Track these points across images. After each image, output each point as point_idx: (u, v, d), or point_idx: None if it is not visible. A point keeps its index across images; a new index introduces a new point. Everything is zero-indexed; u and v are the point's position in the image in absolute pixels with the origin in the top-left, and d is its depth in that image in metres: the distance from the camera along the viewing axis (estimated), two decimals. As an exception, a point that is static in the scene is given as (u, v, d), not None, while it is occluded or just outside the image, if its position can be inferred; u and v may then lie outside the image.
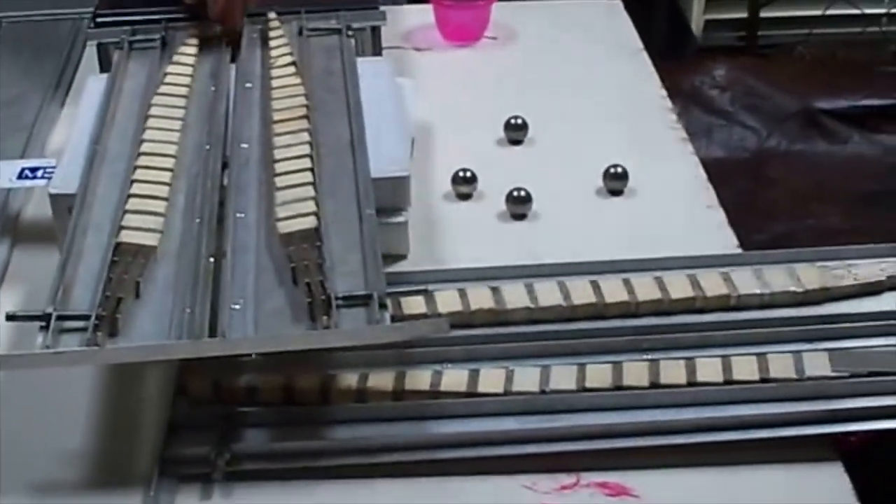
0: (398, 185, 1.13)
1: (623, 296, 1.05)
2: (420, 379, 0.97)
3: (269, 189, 1.07)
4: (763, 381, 0.97)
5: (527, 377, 0.97)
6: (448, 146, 1.33)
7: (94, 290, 0.94)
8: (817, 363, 0.98)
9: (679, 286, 1.06)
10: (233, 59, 1.30)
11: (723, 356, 0.99)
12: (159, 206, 1.04)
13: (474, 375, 0.97)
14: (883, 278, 1.08)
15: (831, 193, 1.92)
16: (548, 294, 1.05)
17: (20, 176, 1.18)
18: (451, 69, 1.52)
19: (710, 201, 1.24)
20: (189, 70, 1.26)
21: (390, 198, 1.13)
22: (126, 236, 1.00)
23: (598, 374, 0.97)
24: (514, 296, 1.05)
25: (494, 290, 1.06)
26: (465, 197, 1.25)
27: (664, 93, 1.44)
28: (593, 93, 1.45)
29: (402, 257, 1.15)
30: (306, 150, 1.10)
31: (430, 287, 1.06)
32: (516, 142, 1.35)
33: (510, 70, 1.51)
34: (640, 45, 1.55)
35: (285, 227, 1.00)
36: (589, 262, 1.10)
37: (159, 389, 0.99)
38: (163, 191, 1.06)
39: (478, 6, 1.56)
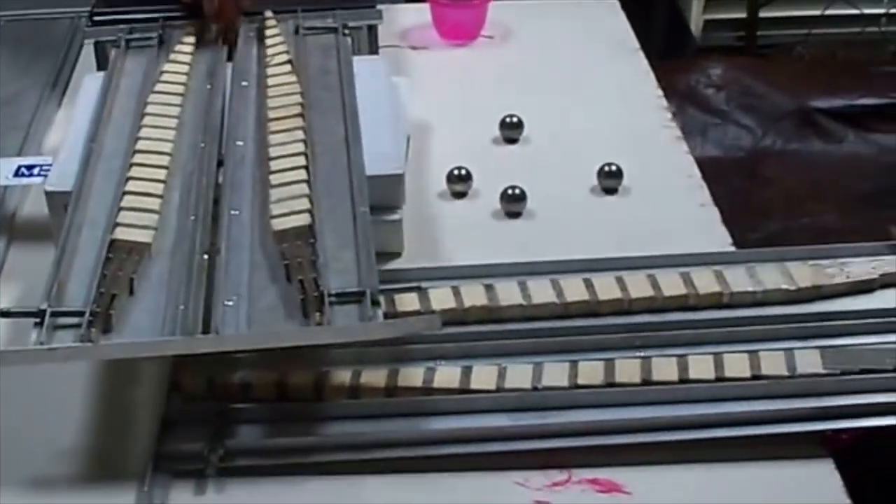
0: (393, 183, 1.14)
1: (616, 293, 1.05)
2: (413, 375, 0.97)
3: (263, 186, 1.07)
4: (755, 378, 0.97)
5: (519, 374, 0.98)
6: (444, 144, 1.34)
7: (89, 286, 0.95)
8: (809, 360, 0.98)
9: (672, 284, 1.06)
10: (229, 58, 1.31)
11: (715, 353, 0.99)
12: (154, 203, 1.05)
13: (467, 372, 0.98)
14: (875, 276, 1.08)
15: (826, 192, 1.92)
16: (541, 291, 1.06)
17: (17, 173, 1.19)
18: (447, 68, 1.52)
19: (703, 200, 1.25)
20: (185, 68, 1.26)
21: (385, 196, 1.13)
22: (120, 233, 1.00)
23: (591, 371, 0.98)
24: (508, 293, 1.06)
25: (488, 287, 1.06)
26: (460, 195, 1.25)
27: (660, 92, 1.44)
28: (589, 92, 1.45)
29: (397, 255, 1.16)
30: (301, 147, 1.11)
31: (425, 285, 1.07)
32: (512, 140, 1.35)
33: (506, 69, 1.51)
34: (636, 44, 1.56)
35: (279, 224, 1.01)
36: (582, 260, 1.10)
37: (153, 386, 0.99)
38: (158, 188, 1.07)
39: (474, 5, 1.57)
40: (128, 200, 1.05)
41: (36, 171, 1.18)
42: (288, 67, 1.24)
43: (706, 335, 1.02)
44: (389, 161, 1.15)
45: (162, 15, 1.36)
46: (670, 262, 1.10)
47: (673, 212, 1.23)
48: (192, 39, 1.32)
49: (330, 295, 0.92)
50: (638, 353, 1.00)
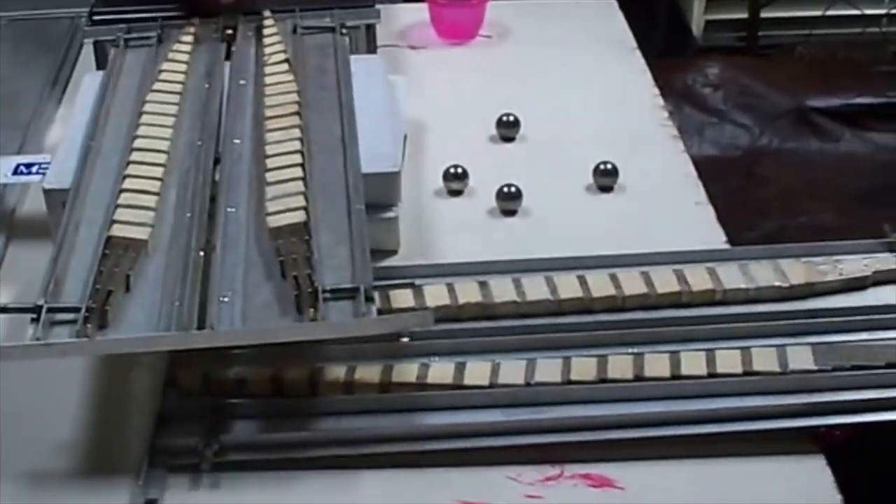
0: (389, 181, 1.15)
1: (610, 290, 1.06)
2: (407, 371, 0.98)
3: (259, 184, 1.08)
4: (746, 374, 0.98)
5: (512, 370, 0.98)
6: (441, 143, 1.35)
7: (85, 283, 0.96)
8: (801, 357, 0.99)
9: (665, 281, 1.07)
10: (227, 57, 1.31)
11: (707, 350, 1.00)
12: (151, 200, 1.05)
13: (461, 368, 0.98)
14: (868, 274, 1.09)
15: (823, 191, 1.92)
16: (535, 288, 1.06)
17: (15, 172, 1.19)
18: (445, 67, 1.53)
19: (699, 198, 1.25)
20: (184, 67, 1.27)
21: (381, 193, 1.14)
22: (117, 230, 1.01)
23: (583, 367, 0.98)
24: (502, 290, 1.06)
25: (482, 284, 1.07)
26: (456, 193, 1.26)
27: (656, 91, 1.45)
28: (586, 90, 1.46)
29: (393, 252, 1.16)
30: (297, 146, 1.12)
31: (420, 282, 1.08)
32: (508, 139, 1.36)
33: (504, 68, 1.52)
34: (633, 43, 1.56)
35: (275, 221, 1.02)
36: (576, 257, 1.11)
37: (149, 381, 1.00)
38: (155, 186, 1.08)
39: (472, 4, 1.57)
40: (125, 198, 1.06)
41: (34, 169, 1.19)
42: (285, 66, 1.25)
43: (699, 332, 1.03)
44: (385, 159, 1.16)
45: (161, 14, 1.37)
46: (664, 260, 1.10)
47: (668, 210, 1.24)
48: (190, 38, 1.33)
49: (324, 291, 0.93)
50: (631, 350, 1.00)
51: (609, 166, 1.26)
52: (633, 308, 1.06)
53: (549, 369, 0.98)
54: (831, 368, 0.98)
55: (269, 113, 1.17)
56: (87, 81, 1.30)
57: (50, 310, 0.93)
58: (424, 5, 1.59)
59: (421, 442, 0.94)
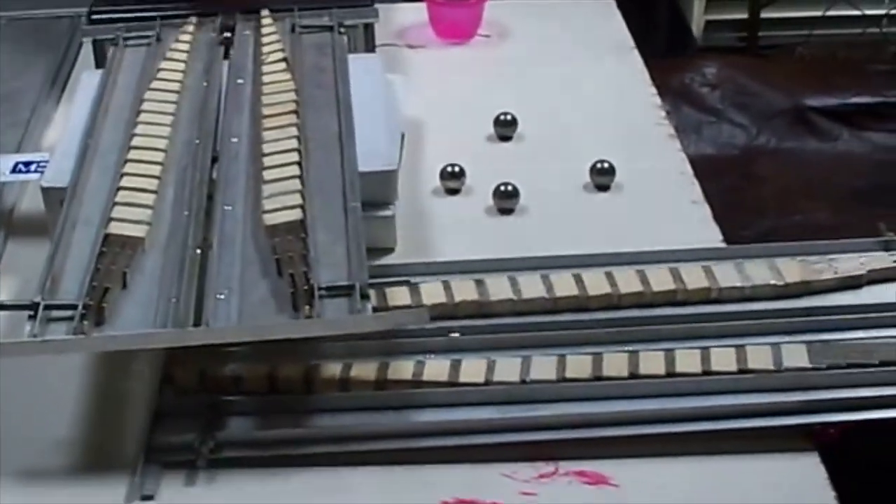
0: (385, 179, 1.15)
1: (605, 288, 1.06)
2: (402, 369, 0.98)
3: (256, 182, 1.08)
4: (741, 372, 0.98)
5: (508, 368, 0.99)
6: (438, 142, 1.35)
7: (82, 280, 0.96)
8: (795, 355, 0.99)
9: (661, 279, 1.07)
10: (226, 56, 1.32)
11: (702, 348, 1.00)
12: (148, 198, 1.06)
13: (456, 365, 0.99)
14: (863, 272, 1.09)
15: (819, 190, 1.93)
16: (531, 287, 1.07)
17: (14, 170, 1.20)
18: (443, 66, 1.53)
19: (695, 197, 1.26)
20: (182, 66, 1.28)
21: (378, 191, 1.14)
22: (115, 228, 1.02)
23: (579, 364, 0.98)
24: (498, 288, 1.07)
25: (479, 282, 1.07)
26: (453, 192, 1.26)
27: (654, 90, 1.45)
28: (584, 90, 1.46)
29: (390, 251, 1.17)
30: (294, 144, 1.12)
31: (417, 280, 1.08)
32: (506, 138, 1.36)
33: (502, 67, 1.53)
34: (631, 43, 1.57)
35: (271, 219, 1.02)
36: (572, 256, 1.11)
37: (146, 378, 1.00)
38: (152, 184, 1.08)
39: (471, 4, 1.58)
40: (122, 196, 1.06)
41: (33, 167, 1.20)
42: (283, 65, 1.26)
43: (694, 330, 1.03)
44: (382, 157, 1.16)
45: (159, 13, 1.37)
46: (660, 258, 1.11)
47: (664, 208, 1.24)
48: (188, 37, 1.33)
49: (320, 288, 0.93)
50: (626, 348, 1.01)
51: (606, 165, 1.26)
52: (628, 306, 1.06)
53: (544, 367, 0.98)
54: (826, 366, 0.98)
55: (266, 111, 1.18)
56: (86, 80, 1.31)
57: (47, 307, 0.93)
58: (423, 5, 1.60)
59: (416, 439, 0.95)
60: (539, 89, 1.46)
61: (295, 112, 1.17)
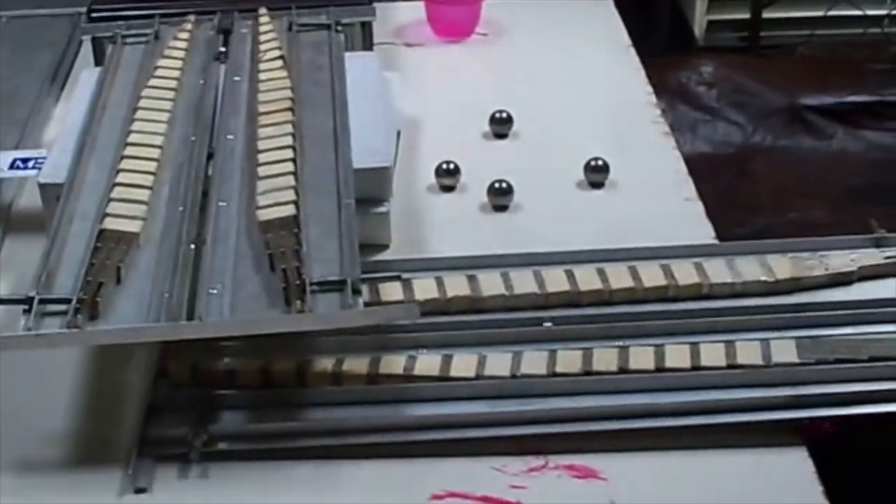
0: (380, 176, 1.16)
1: (597, 284, 1.07)
2: (394, 363, 0.99)
3: (251, 179, 1.09)
4: (730, 367, 0.98)
5: (499, 362, 0.99)
6: (434, 139, 1.36)
7: (77, 275, 0.97)
8: (784, 350, 1.00)
9: (652, 275, 1.08)
10: (223, 54, 1.33)
11: (692, 343, 1.00)
12: (143, 194, 1.07)
13: (447, 360, 0.99)
14: (854, 269, 1.09)
15: (814, 188, 1.93)
16: (523, 282, 1.08)
17: (12, 166, 1.21)
18: (440, 64, 1.54)
19: (689, 194, 1.26)
20: (179, 63, 1.28)
21: (372, 188, 1.15)
22: (110, 223, 1.02)
23: (569, 359, 0.99)
24: (490, 284, 1.07)
25: (471, 278, 1.08)
26: (448, 189, 1.27)
27: (650, 88, 1.46)
28: (580, 88, 1.47)
29: (385, 247, 1.18)
30: (289, 141, 1.13)
31: (411, 276, 1.09)
32: (501, 135, 1.37)
33: (499, 66, 1.53)
34: (628, 41, 1.57)
35: (265, 214, 1.03)
36: (565, 252, 1.12)
37: (140, 373, 1.01)
38: (147, 180, 1.09)
39: (468, 3, 1.59)
40: (118, 191, 1.07)
41: (31, 163, 1.21)
42: (279, 63, 1.26)
43: (685, 325, 1.03)
44: (377, 154, 1.17)
45: (158, 11, 1.38)
46: (651, 255, 1.11)
47: (658, 206, 1.25)
48: (186, 35, 1.34)
49: (312, 283, 0.94)
50: (616, 343, 1.01)
51: (600, 163, 1.27)
52: (620, 302, 1.07)
53: (534, 362, 0.99)
54: (814, 362, 0.98)
55: (262, 108, 1.18)
56: (85, 77, 1.32)
57: (42, 301, 0.94)
58: (421, 3, 1.61)
59: (407, 433, 0.95)
60: (535, 87, 1.47)
61: (290, 109, 1.18)
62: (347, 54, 1.31)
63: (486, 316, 1.06)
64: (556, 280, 1.08)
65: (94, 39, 1.41)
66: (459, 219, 1.23)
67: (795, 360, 0.99)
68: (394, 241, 1.18)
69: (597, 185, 1.27)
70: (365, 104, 1.23)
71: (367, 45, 1.46)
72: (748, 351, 0.99)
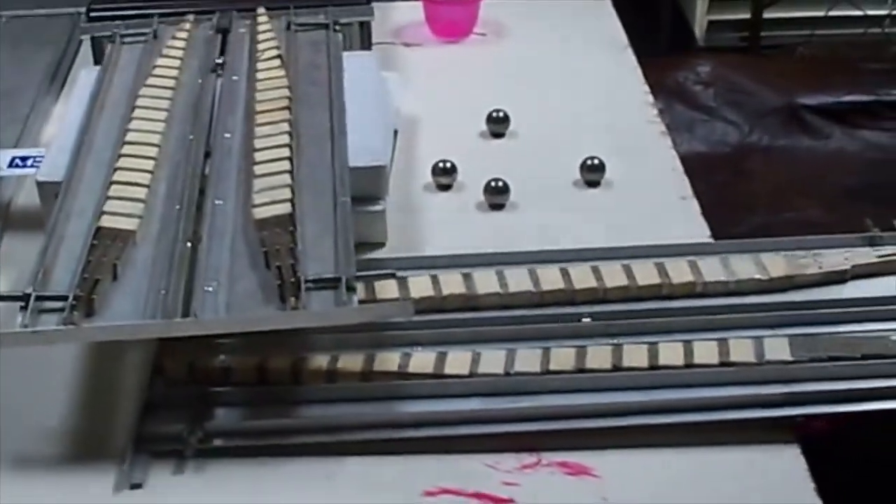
0: (376, 175, 1.16)
1: (591, 282, 1.08)
2: (389, 360, 1.00)
3: (248, 177, 1.09)
4: (723, 364, 0.99)
5: (493, 360, 1.00)
6: (431, 138, 1.36)
7: (74, 272, 0.97)
8: (777, 348, 1.00)
9: (646, 273, 1.08)
10: (221, 53, 1.33)
11: (685, 341, 1.01)
12: (140, 192, 1.07)
13: (441, 357, 1.00)
14: (847, 267, 1.10)
15: (811, 187, 1.94)
16: (518, 280, 1.08)
17: (11, 164, 1.22)
18: (438, 64, 1.55)
19: (684, 193, 1.27)
20: (178, 63, 1.29)
21: (368, 187, 1.16)
22: (106, 221, 1.03)
23: (562, 357, 1.00)
24: (485, 282, 1.08)
25: (466, 276, 1.09)
26: (444, 188, 1.28)
27: (646, 88, 1.47)
28: (577, 88, 1.48)
29: (381, 245, 1.18)
30: (286, 139, 1.13)
31: (407, 273, 1.09)
32: (498, 134, 1.38)
33: (497, 65, 1.54)
34: (625, 41, 1.58)
35: (261, 213, 1.03)
36: (560, 250, 1.12)
37: (137, 370, 1.02)
38: (145, 178, 1.09)
39: (467, 3, 1.59)
40: (115, 190, 1.07)
41: (29, 162, 1.22)
42: (277, 62, 1.27)
43: (679, 323, 1.04)
44: (373, 153, 1.17)
45: (157, 11, 1.39)
46: (646, 253, 1.12)
47: (654, 204, 1.25)
48: (185, 35, 1.34)
49: (306, 281, 0.95)
50: (611, 341, 1.02)
51: (596, 161, 1.27)
52: (614, 300, 1.07)
53: (528, 359, 1.00)
54: (807, 359, 0.99)
55: (259, 107, 1.19)
56: (83, 76, 1.32)
57: (38, 298, 0.95)
58: (420, 4, 1.61)
59: (401, 429, 0.96)
60: (533, 87, 1.48)
61: (287, 108, 1.18)
62: (345, 54, 1.32)
63: (480, 314, 1.06)
64: (550, 278, 1.08)
65: (93, 39, 1.42)
66: (456, 217, 1.24)
67: (788, 357, 0.99)
68: (390, 240, 1.19)
69: (593, 183, 1.28)
70: (362, 103, 1.24)
71: (366, 44, 1.47)
72: (741, 348, 1.00)
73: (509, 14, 1.65)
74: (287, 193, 1.05)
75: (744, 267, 1.09)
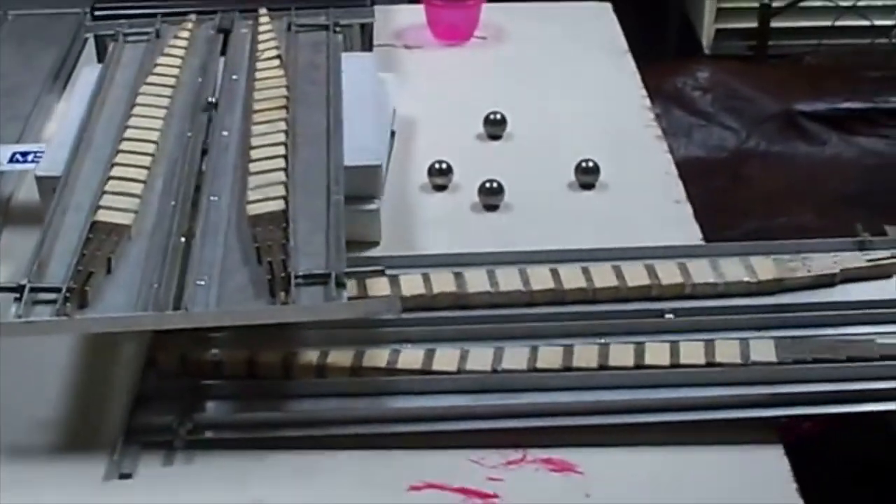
0: (370, 174, 1.18)
1: (581, 283, 1.09)
2: (378, 357, 1.01)
3: (243, 174, 1.11)
4: (709, 365, 1.00)
5: (481, 357, 1.01)
6: (429, 139, 1.37)
7: (69, 265, 0.99)
8: (763, 349, 1.01)
9: (636, 274, 1.09)
10: (223, 52, 1.35)
11: (672, 341, 1.02)
12: (137, 188, 1.09)
13: (430, 354, 1.01)
14: (836, 271, 1.11)
15: (807, 193, 1.95)
16: (509, 280, 1.09)
17: (11, 160, 1.24)
18: (438, 67, 1.56)
19: (678, 196, 1.28)
20: (179, 61, 1.30)
21: (363, 186, 1.17)
22: (102, 215, 1.04)
23: (550, 355, 1.01)
24: (476, 281, 1.09)
25: (457, 275, 1.10)
26: (440, 188, 1.29)
27: (644, 92, 1.47)
28: (575, 91, 1.49)
29: (375, 244, 1.19)
30: (282, 138, 1.15)
31: (399, 272, 1.10)
32: (495, 136, 1.39)
33: (496, 68, 1.55)
34: (625, 46, 1.59)
35: (254, 209, 1.05)
36: (551, 251, 1.13)
37: (130, 362, 1.03)
38: (141, 174, 1.11)
39: (467, 6, 1.60)
40: (112, 185, 1.09)
41: (30, 157, 1.23)
42: (276, 62, 1.28)
43: (666, 324, 1.05)
44: (369, 152, 1.18)
45: (160, 10, 1.40)
46: (637, 255, 1.12)
47: (647, 207, 1.26)
48: (187, 34, 1.36)
49: (297, 276, 0.96)
50: (598, 340, 1.03)
51: (591, 164, 1.28)
52: (603, 300, 1.08)
53: (516, 357, 1.01)
54: (792, 361, 1.00)
55: (257, 106, 1.20)
56: (86, 74, 1.34)
57: (33, 289, 0.96)
58: (421, 6, 1.62)
59: (389, 424, 0.97)
60: (531, 90, 1.49)
61: (285, 107, 1.20)
62: (344, 55, 1.33)
63: (470, 312, 1.07)
64: (541, 278, 1.09)
65: (96, 37, 1.44)
66: (450, 217, 1.25)
67: (773, 359, 1.00)
68: (384, 239, 1.20)
69: (587, 186, 1.29)
70: (360, 103, 1.25)
71: (367, 46, 1.48)
72: (727, 349, 1.01)
73: (510, 18, 1.66)
74: (281, 190, 1.07)
75: (733, 269, 1.10)
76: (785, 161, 2.04)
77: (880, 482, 1.34)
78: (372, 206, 1.18)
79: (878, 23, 2.83)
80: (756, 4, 2.82)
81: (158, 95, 1.24)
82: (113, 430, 0.97)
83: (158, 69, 1.28)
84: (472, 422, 0.97)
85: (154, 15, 1.40)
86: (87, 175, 1.12)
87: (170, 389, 0.99)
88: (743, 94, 2.14)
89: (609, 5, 1.69)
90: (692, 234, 1.21)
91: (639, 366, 1.00)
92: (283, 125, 1.17)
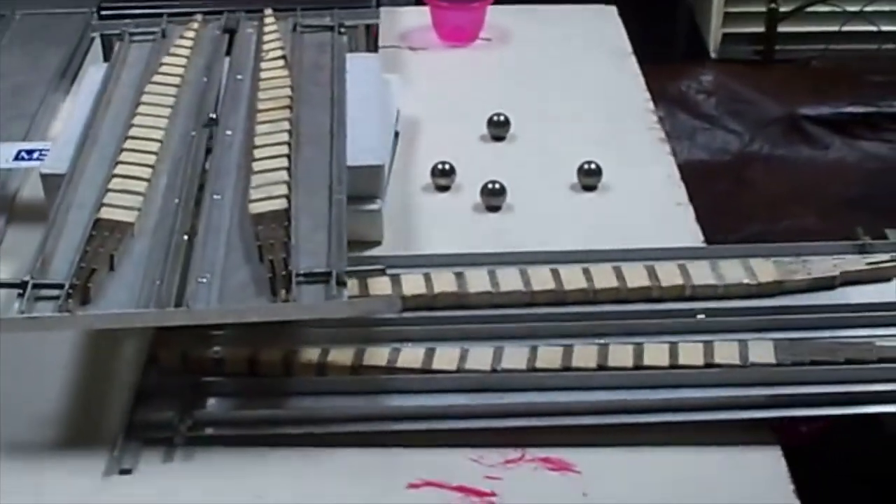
0: (373, 174, 1.18)
1: (581, 283, 1.09)
2: (378, 355, 1.01)
3: (247, 173, 1.11)
4: (708, 366, 1.00)
5: (480, 357, 1.01)
6: (432, 140, 1.38)
7: (72, 261, 0.99)
8: (761, 351, 1.01)
9: (636, 276, 1.10)
10: (228, 52, 1.35)
11: (671, 342, 1.02)
12: (140, 186, 1.09)
13: (430, 353, 1.02)
14: (836, 274, 1.11)
15: (809, 197, 1.95)
16: (509, 280, 1.10)
17: (17, 157, 1.24)
18: (442, 68, 1.57)
19: (680, 199, 1.28)
20: (184, 61, 1.31)
21: (365, 185, 1.18)
22: (106, 213, 1.05)
23: (549, 355, 1.01)
24: (477, 281, 1.09)
25: (458, 275, 1.10)
26: (443, 189, 1.29)
27: (647, 95, 1.48)
28: (579, 93, 1.49)
29: (377, 244, 1.20)
30: (285, 137, 1.15)
31: (401, 272, 1.11)
32: (498, 138, 1.39)
33: (500, 70, 1.56)
34: (629, 48, 1.59)
35: (256, 207, 1.05)
36: (552, 252, 1.14)
37: (132, 359, 1.04)
38: (145, 172, 1.11)
39: (473, 8, 1.61)
40: (116, 183, 1.10)
41: (35, 155, 1.24)
42: (281, 62, 1.29)
43: (666, 325, 1.05)
44: (372, 153, 1.19)
45: (166, 10, 1.41)
46: (637, 256, 1.13)
47: (649, 209, 1.26)
48: (192, 34, 1.37)
49: (298, 275, 0.96)
50: (598, 341, 1.03)
51: (593, 166, 1.29)
52: (604, 301, 1.09)
53: (515, 357, 1.01)
54: (790, 363, 1.00)
55: (261, 106, 1.21)
56: (92, 73, 1.35)
57: (35, 286, 0.97)
58: (426, 8, 1.63)
59: (389, 422, 0.97)
60: (535, 92, 1.49)
61: (289, 107, 1.20)
62: (349, 55, 1.34)
63: (471, 312, 1.08)
64: (541, 278, 1.09)
65: (103, 37, 1.44)
66: (452, 218, 1.25)
67: (772, 360, 1.00)
68: (386, 239, 1.20)
69: (589, 188, 1.29)
70: (364, 104, 1.26)
71: (372, 47, 1.49)
72: (726, 351, 1.01)
73: (515, 20, 1.67)
74: (283, 189, 1.07)
75: (733, 272, 1.10)
76: (788, 165, 2.05)
77: (877, 485, 1.34)
78: (374, 206, 1.19)
79: (885, 28, 2.83)
80: (763, 9, 2.82)
81: (163, 95, 1.24)
82: (114, 425, 0.97)
83: (164, 69, 1.29)
84: (471, 421, 0.97)
85: (160, 15, 1.41)
86: (92, 173, 1.13)
87: (171, 386, 1.00)
88: (746, 97, 2.14)
89: (614, 8, 1.70)
90: (694, 237, 1.21)
91: (637, 366, 1.00)
92: (286, 125, 1.17)
